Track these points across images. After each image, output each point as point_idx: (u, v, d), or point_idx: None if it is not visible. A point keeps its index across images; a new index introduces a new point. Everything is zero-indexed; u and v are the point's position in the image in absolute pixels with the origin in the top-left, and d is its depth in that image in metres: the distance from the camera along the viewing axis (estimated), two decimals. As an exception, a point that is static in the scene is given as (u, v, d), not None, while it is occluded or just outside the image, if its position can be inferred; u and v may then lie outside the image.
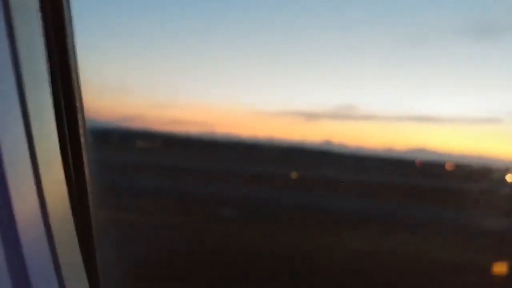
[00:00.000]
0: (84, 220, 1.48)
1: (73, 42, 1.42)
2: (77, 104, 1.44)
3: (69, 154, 1.42)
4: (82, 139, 1.47)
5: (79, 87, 1.46)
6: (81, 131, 1.46)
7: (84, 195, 1.48)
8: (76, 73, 1.45)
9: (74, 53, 1.41)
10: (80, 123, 1.45)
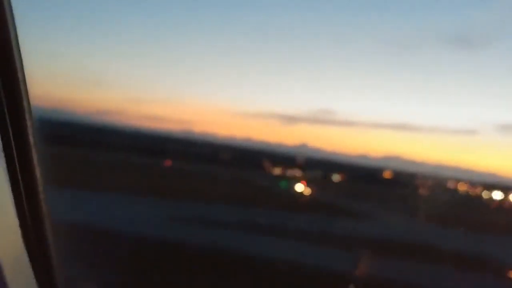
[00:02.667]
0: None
1: (16, 42, 1.26)
2: (24, 104, 1.32)
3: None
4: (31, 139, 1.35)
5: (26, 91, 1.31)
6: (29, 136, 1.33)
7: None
8: (22, 73, 1.31)
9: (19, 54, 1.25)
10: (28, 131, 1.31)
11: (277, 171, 28.63)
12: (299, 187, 22.97)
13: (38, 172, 1.25)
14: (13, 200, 1.19)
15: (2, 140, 1.18)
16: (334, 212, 18.77)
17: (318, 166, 33.10)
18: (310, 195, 22.80)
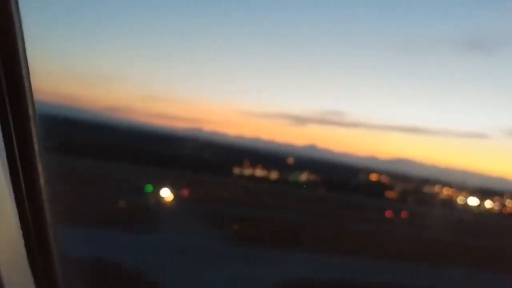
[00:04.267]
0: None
1: (23, 47, 1.23)
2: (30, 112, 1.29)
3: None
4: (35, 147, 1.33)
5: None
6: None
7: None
8: (28, 79, 1.29)
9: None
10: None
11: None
12: (165, 192, 20.08)
13: (40, 170, 1.24)
14: (14, 199, 1.17)
15: (3, 137, 1.16)
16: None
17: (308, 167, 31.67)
18: (170, 202, 20.14)
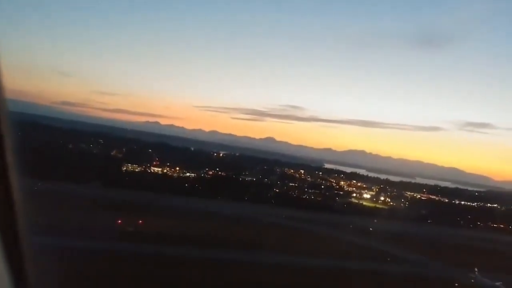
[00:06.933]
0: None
1: None
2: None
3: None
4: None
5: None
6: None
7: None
8: None
9: None
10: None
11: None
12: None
13: (11, 164, 1.26)
14: None
15: None
16: None
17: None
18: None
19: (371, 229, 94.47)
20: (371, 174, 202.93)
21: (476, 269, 66.84)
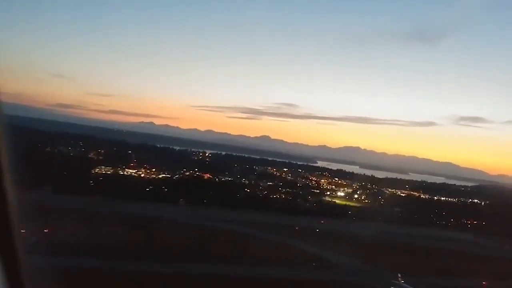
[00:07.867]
0: None
1: None
2: None
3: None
4: None
5: None
6: None
7: None
8: None
9: None
10: None
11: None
12: None
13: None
14: None
15: None
16: None
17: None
18: None
19: (317, 230, 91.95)
20: (357, 171, 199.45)
21: (399, 275, 63.99)
